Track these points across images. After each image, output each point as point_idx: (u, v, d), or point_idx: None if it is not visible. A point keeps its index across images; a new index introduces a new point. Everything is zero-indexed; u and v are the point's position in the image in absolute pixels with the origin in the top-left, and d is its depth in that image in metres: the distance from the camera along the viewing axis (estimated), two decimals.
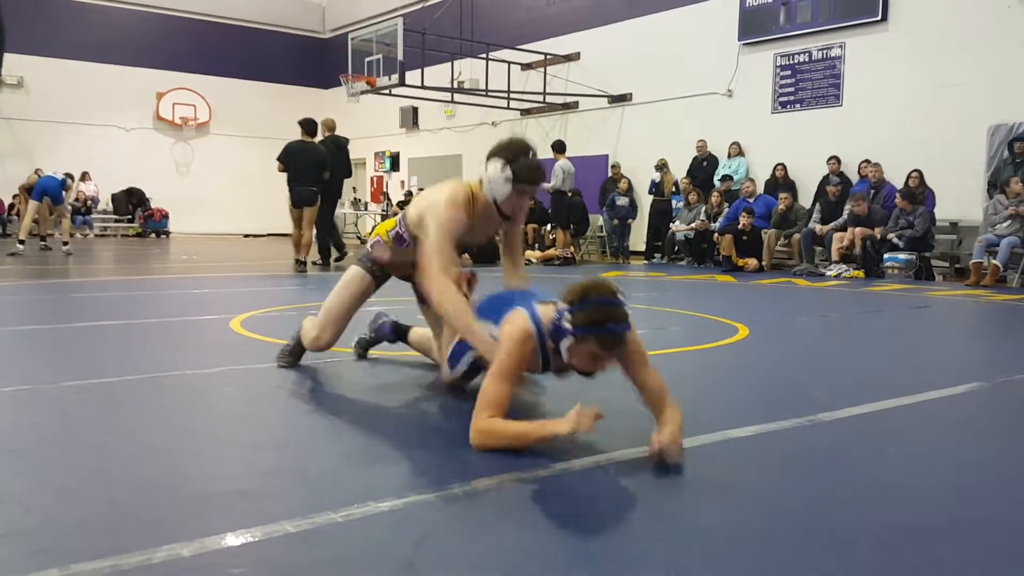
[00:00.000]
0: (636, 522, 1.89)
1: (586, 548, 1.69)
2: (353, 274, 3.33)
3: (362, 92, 14.80)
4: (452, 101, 16.34)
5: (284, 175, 9.44)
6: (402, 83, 13.70)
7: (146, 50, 20.16)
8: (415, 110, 18.73)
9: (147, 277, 8.82)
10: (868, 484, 2.12)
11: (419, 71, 14.05)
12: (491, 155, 2.85)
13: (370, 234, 3.46)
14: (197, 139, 21.17)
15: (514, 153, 2.82)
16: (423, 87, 14.12)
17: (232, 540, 1.66)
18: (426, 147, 19.14)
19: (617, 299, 2.23)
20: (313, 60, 22.28)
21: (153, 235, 19.28)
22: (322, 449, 2.41)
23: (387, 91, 14.63)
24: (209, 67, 20.93)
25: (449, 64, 15.16)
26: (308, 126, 9.47)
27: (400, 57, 13.48)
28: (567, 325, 2.25)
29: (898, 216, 9.51)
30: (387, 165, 20.50)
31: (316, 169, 9.30)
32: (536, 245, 12.91)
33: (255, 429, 2.63)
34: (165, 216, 19.71)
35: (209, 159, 21.07)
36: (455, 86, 15.42)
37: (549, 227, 12.89)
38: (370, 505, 1.88)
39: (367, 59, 14.54)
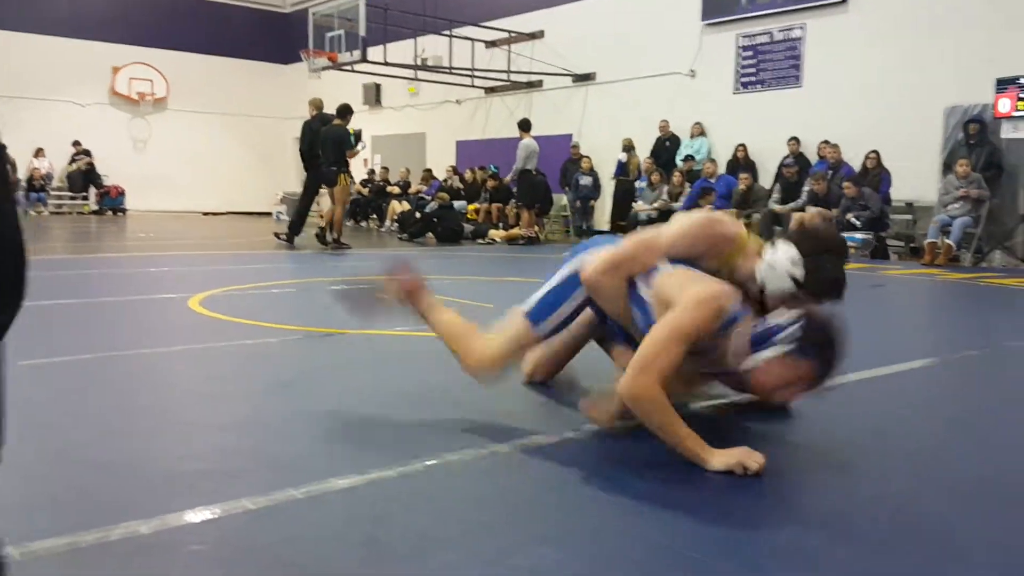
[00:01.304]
0: (595, 497, 1.92)
1: (546, 522, 1.73)
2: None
3: (324, 68, 14.61)
4: (416, 79, 16.19)
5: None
6: (364, 59, 13.54)
7: (101, 23, 19.64)
8: (378, 87, 18.53)
9: (103, 255, 8.66)
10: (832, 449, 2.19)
11: (382, 47, 13.88)
12: (790, 237, 2.27)
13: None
14: (155, 115, 20.73)
15: (818, 252, 2.21)
16: (386, 64, 13.97)
17: (192, 517, 1.66)
18: (389, 125, 18.96)
19: (845, 342, 2.01)
20: (274, 35, 21.89)
21: (110, 213, 18.89)
22: (284, 427, 2.41)
23: (349, 67, 14.45)
24: (167, 41, 20.46)
25: (412, 41, 15.00)
26: (341, 111, 10.09)
27: (362, 33, 13.32)
28: (793, 335, 1.98)
29: (849, 202, 9.67)
30: (352, 143, 20.26)
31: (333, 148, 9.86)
32: (500, 224, 12.92)
33: (215, 408, 2.62)
34: (122, 193, 19.32)
35: (167, 135, 20.65)
36: (418, 63, 15.28)
37: (513, 206, 12.89)
38: (331, 482, 1.89)
39: (328, 34, 14.34)
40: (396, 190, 15.40)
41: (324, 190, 10.35)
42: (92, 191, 19.19)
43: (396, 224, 13.19)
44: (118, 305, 4.91)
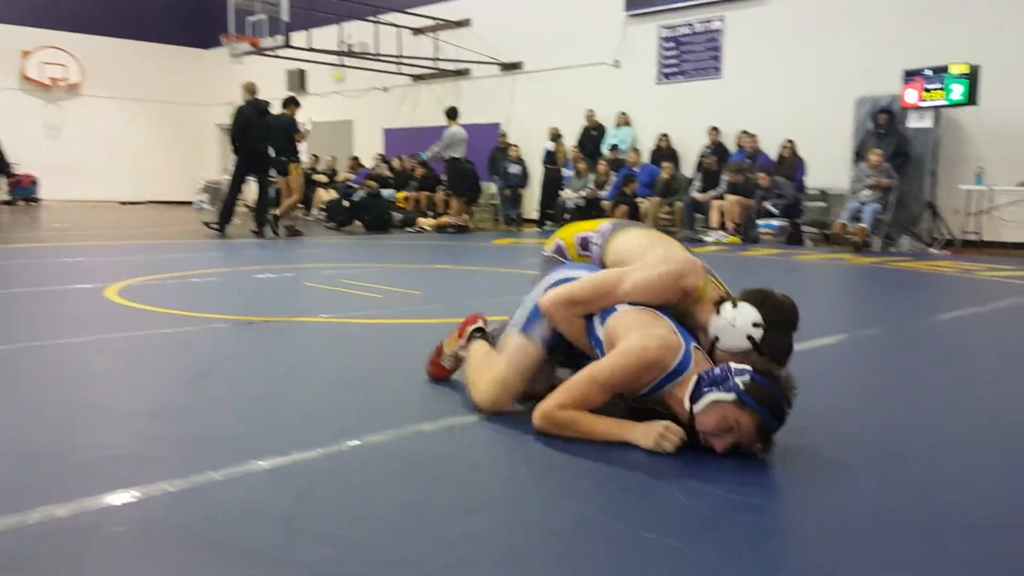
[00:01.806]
0: (518, 471, 2.00)
1: (469, 496, 1.79)
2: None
3: (245, 53, 14.30)
4: (341, 65, 15.99)
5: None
6: (287, 45, 13.31)
7: (10, 4, 18.76)
8: (302, 73, 18.22)
9: (15, 246, 8.35)
10: None
11: (305, 33, 13.66)
12: (751, 300, 2.26)
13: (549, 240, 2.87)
14: (69, 101, 19.94)
15: (777, 320, 2.24)
16: (310, 49, 13.76)
17: (111, 500, 1.68)
18: (315, 112, 18.66)
19: (792, 407, 2.04)
20: (193, 19, 21.27)
21: (21, 202, 18.13)
22: (204, 413, 2.41)
23: (272, 53, 14.18)
24: (81, 24, 19.68)
25: (337, 26, 14.80)
26: (287, 101, 10.37)
27: (285, 17, 13.08)
28: (739, 384, 1.99)
29: (764, 191, 9.99)
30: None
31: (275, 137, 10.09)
32: (429, 212, 12.90)
33: (134, 396, 2.60)
34: (35, 182, 18.56)
35: (82, 122, 19.89)
36: (344, 49, 15.10)
37: (442, 194, 12.88)
38: (252, 464, 1.92)
39: (250, 19, 14.04)
40: (323, 178, 15.21)
41: (251, 178, 10.20)
42: (2, 180, 18.38)
43: (323, 213, 13.05)
44: (32, 296, 4.77)
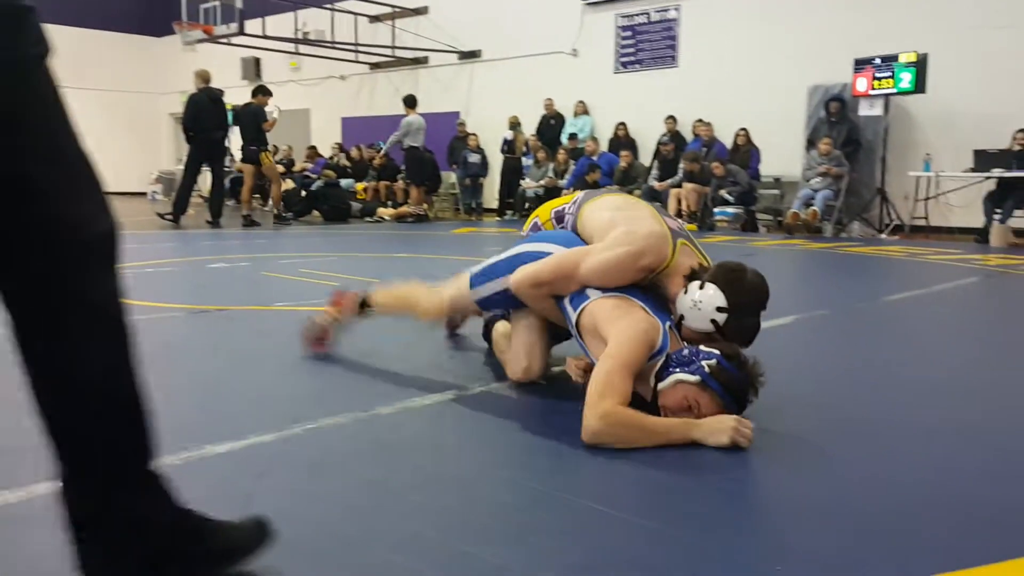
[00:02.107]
0: (470, 450, 2.03)
1: (420, 474, 1.82)
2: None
3: (198, 41, 14.06)
4: (297, 53, 15.81)
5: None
6: (241, 32, 13.12)
7: None
8: (257, 61, 17.97)
9: None
10: None
11: (260, 20, 13.48)
12: (719, 281, 2.24)
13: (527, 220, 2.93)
14: None
15: (743, 304, 2.23)
16: (265, 37, 13.58)
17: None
18: (271, 100, 18.42)
19: (757, 394, 2.08)
20: (145, 6, 20.84)
21: None
22: (158, 401, 2.39)
23: (226, 40, 13.97)
24: None
25: (293, 14, 14.62)
26: (257, 90, 10.66)
27: (239, 4, 12.89)
28: (704, 367, 2.03)
29: (720, 179, 10.13)
30: (231, 119, 19.59)
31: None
32: (389, 202, 12.84)
33: None
34: None
35: None
36: (299, 37, 14.92)
37: (401, 183, 12.83)
38: (208, 449, 1.92)
39: (203, 6, 13.80)
40: (280, 168, 15.03)
41: (205, 168, 10.08)
42: None
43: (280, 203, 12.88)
44: None
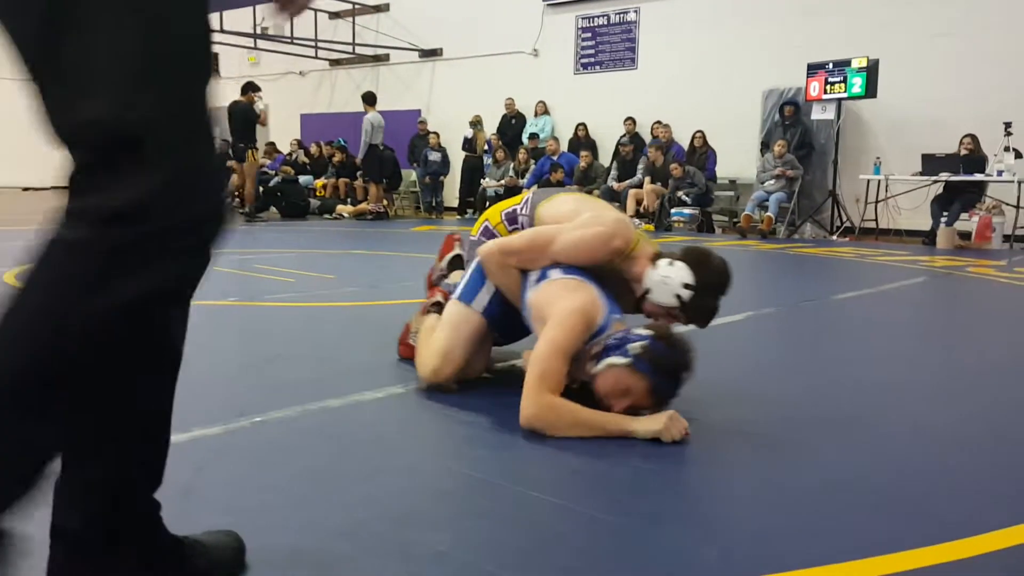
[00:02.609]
0: (412, 442, 2.06)
1: (365, 465, 1.84)
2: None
3: None
4: (255, 48, 15.63)
5: None
6: None
7: None
8: (215, 56, 17.72)
9: None
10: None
11: (217, 14, 13.29)
12: (688, 260, 2.34)
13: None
14: None
15: (708, 284, 2.33)
16: (222, 31, 13.41)
17: None
18: (229, 96, 18.16)
19: (691, 372, 2.11)
20: None
21: None
22: None
23: None
24: None
25: (251, 8, 14.45)
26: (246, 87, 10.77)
27: None
28: (634, 350, 2.06)
29: (678, 180, 10.27)
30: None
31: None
32: (348, 200, 12.77)
33: None
34: None
35: None
36: (258, 32, 14.76)
37: (360, 181, 12.77)
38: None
39: None
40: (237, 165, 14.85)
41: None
42: None
43: (237, 199, 12.75)
44: None
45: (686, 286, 2.31)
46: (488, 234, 2.78)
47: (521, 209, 2.72)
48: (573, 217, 2.48)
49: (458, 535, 1.47)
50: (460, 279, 2.61)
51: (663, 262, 2.36)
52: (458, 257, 2.98)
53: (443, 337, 2.44)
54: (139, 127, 0.91)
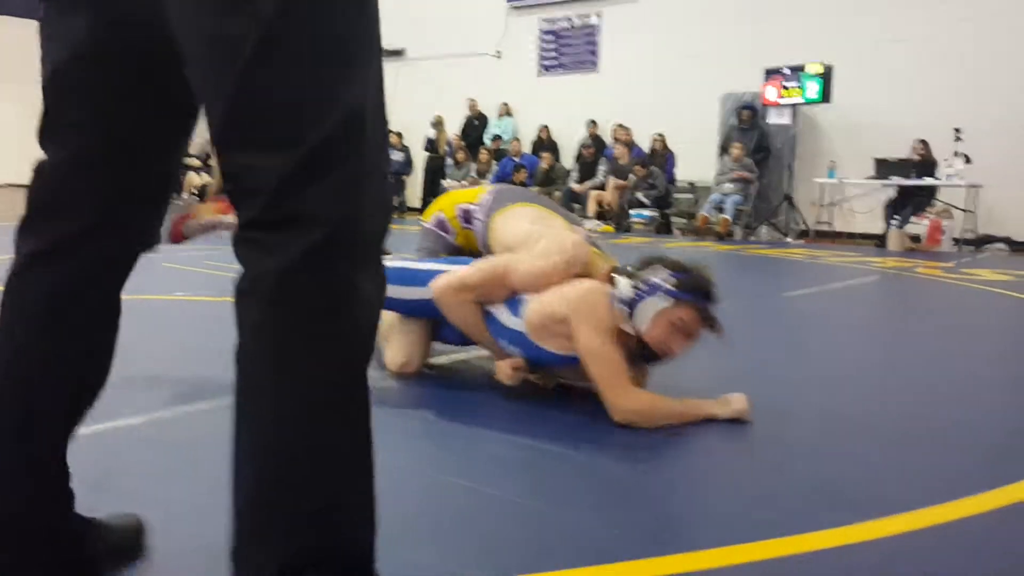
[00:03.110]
0: None
1: None
2: None
3: None
4: None
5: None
6: None
7: None
8: None
9: None
10: None
11: None
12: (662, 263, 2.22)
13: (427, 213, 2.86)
14: None
15: (678, 263, 2.22)
16: None
17: None
18: None
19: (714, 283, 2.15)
20: None
21: None
22: None
23: None
24: None
25: None
26: None
27: None
28: (668, 286, 2.09)
29: (638, 181, 10.36)
30: None
31: None
32: None
33: None
34: None
35: None
36: None
37: None
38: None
39: None
40: (196, 163, 14.69)
41: None
42: None
43: (195, 197, 12.63)
44: None
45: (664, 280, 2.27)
46: (441, 225, 2.73)
47: (477, 212, 2.65)
48: (528, 241, 2.41)
49: (399, 532, 1.46)
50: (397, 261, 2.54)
51: (621, 280, 2.27)
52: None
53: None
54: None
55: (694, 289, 2.10)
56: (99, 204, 1.06)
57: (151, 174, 1.09)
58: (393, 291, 2.36)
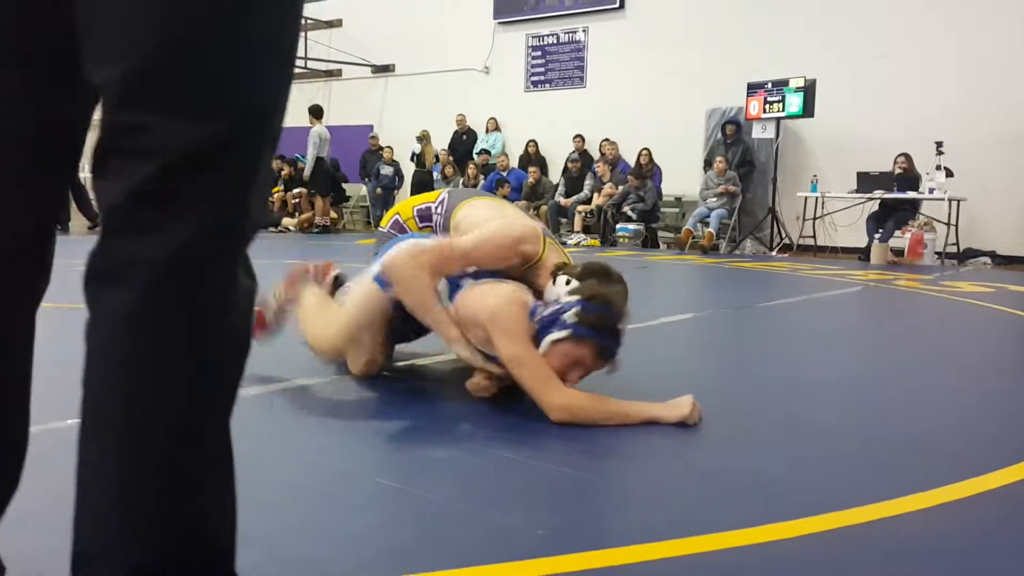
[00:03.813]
0: (272, 434, 2.03)
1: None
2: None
3: None
4: None
5: None
6: None
7: None
8: None
9: None
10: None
11: None
12: (583, 280, 2.23)
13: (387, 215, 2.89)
14: None
15: (595, 293, 2.17)
16: None
17: None
18: None
19: (624, 316, 2.15)
20: None
21: None
22: None
23: None
24: None
25: None
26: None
27: None
28: (571, 319, 2.08)
29: (628, 192, 10.38)
30: None
31: None
32: (296, 212, 12.67)
33: None
34: None
35: None
36: None
37: (297, 192, 12.61)
38: (38, 426, 1.86)
39: None
40: None
41: None
42: None
43: None
44: None
45: (570, 295, 2.21)
46: (398, 227, 2.76)
47: (436, 208, 2.69)
48: (485, 224, 2.44)
49: (325, 531, 1.44)
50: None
51: (561, 280, 2.29)
52: (337, 277, 2.83)
53: (351, 309, 2.36)
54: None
55: (595, 326, 2.07)
56: None
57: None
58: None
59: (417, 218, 2.74)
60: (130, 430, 0.80)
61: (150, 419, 0.80)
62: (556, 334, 2.08)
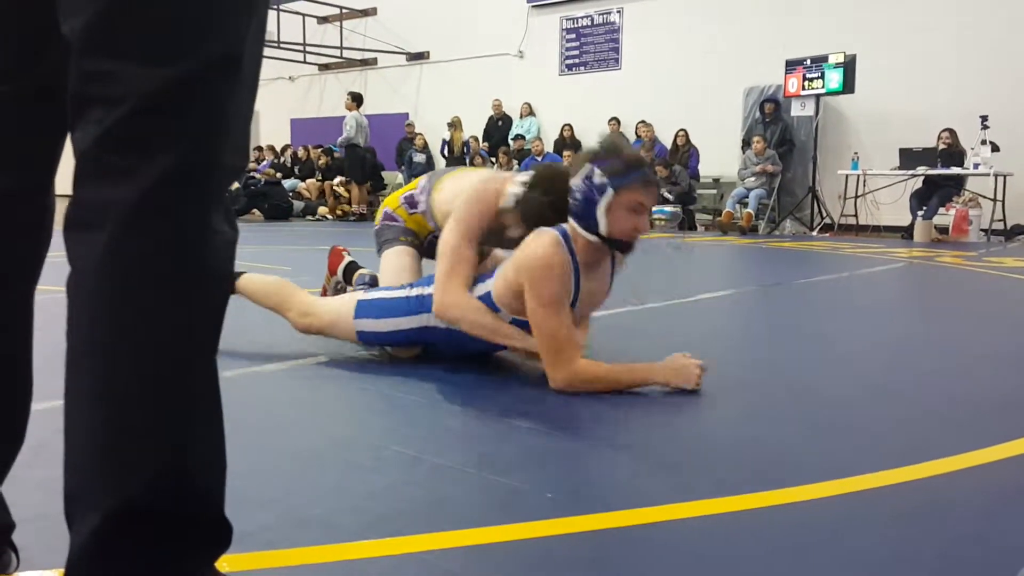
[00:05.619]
0: (273, 407, 2.06)
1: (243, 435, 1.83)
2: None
3: None
4: None
5: None
6: None
7: None
8: None
9: None
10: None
11: None
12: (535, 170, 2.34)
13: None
14: None
15: (539, 181, 2.28)
16: None
17: None
18: None
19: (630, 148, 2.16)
20: None
21: None
22: None
23: None
24: None
25: None
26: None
27: None
28: (602, 180, 2.05)
29: (660, 180, 10.28)
30: None
31: None
32: (337, 199, 12.77)
33: None
34: None
35: None
36: None
37: (339, 181, 12.74)
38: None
39: None
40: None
41: None
42: None
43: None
44: None
45: (521, 183, 2.31)
46: (389, 218, 2.84)
47: (418, 195, 2.77)
48: (459, 193, 2.51)
49: (330, 493, 1.46)
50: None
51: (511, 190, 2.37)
52: (352, 264, 2.99)
53: (322, 314, 2.46)
54: None
55: (626, 169, 2.05)
56: None
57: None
58: (380, 324, 2.36)
59: (405, 205, 2.81)
60: (110, 367, 0.81)
61: (129, 355, 0.81)
62: (605, 198, 2.03)
